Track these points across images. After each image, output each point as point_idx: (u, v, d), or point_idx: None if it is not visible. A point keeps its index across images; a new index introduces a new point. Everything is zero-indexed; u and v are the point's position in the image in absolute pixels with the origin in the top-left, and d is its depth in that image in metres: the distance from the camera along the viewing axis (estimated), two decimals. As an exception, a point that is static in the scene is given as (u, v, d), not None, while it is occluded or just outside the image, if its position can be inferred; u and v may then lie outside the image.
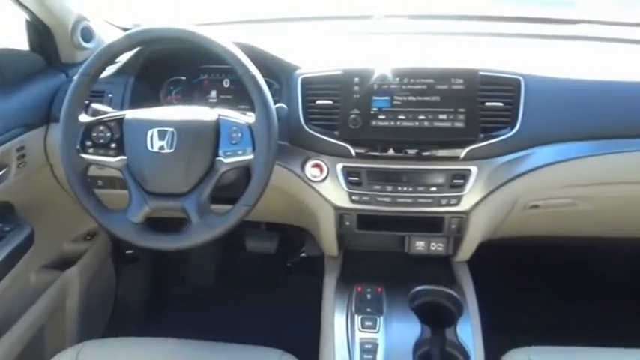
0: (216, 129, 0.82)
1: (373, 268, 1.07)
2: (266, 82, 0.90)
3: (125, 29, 1.22)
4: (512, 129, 0.90)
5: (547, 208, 1.01)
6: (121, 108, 0.98)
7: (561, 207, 1.01)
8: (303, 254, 1.65)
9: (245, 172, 0.87)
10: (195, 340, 0.91)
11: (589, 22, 1.30)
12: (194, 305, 1.56)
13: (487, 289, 1.10)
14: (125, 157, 0.81)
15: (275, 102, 0.84)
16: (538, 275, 1.42)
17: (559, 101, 0.93)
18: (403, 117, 0.89)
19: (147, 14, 1.46)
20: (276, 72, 1.00)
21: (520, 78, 0.91)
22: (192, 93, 1.10)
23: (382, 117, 0.90)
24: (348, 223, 0.98)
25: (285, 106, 0.87)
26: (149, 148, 0.80)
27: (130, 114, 0.83)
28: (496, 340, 0.93)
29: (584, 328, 0.98)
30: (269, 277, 1.65)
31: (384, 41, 1.21)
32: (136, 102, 1.00)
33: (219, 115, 0.83)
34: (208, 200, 0.82)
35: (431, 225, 0.97)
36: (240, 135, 0.81)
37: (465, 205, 0.92)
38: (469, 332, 0.91)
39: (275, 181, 0.90)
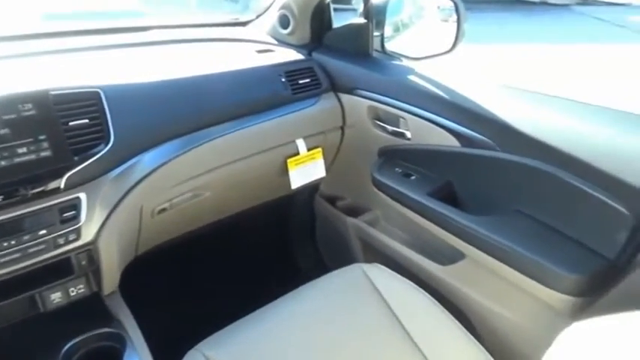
0: None
1: (9, 348, 0.87)
2: None
3: None
4: (107, 144, 0.85)
5: (175, 207, 1.04)
6: None
7: (187, 202, 1.05)
8: None
9: None
10: None
11: (159, 27, 1.38)
12: None
13: (151, 306, 1.06)
14: None
15: None
16: (195, 271, 1.48)
17: (146, 106, 0.95)
18: None
19: None
20: None
21: (99, 90, 0.88)
22: None
23: None
24: None
25: None
26: None
27: None
28: (174, 351, 0.91)
29: (247, 297, 1.06)
30: None
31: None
32: None
33: None
34: None
35: (58, 271, 0.85)
36: None
37: (87, 236, 0.84)
38: None
39: None
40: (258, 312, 0.99)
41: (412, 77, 1.13)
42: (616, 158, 0.81)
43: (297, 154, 1.20)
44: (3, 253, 0.76)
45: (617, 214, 0.82)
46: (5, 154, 0.75)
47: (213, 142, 1.01)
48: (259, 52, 1.22)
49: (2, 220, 0.76)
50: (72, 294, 0.90)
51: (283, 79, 1.15)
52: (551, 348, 0.68)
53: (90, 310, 0.95)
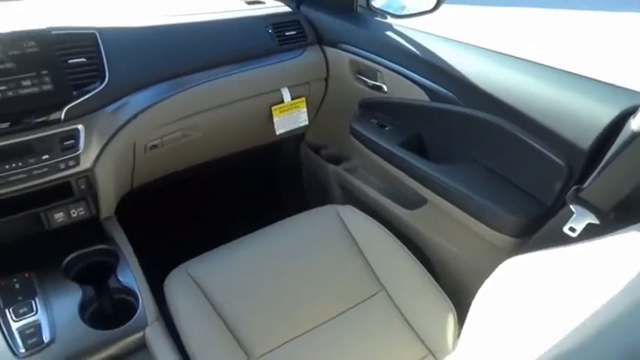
0: None
1: (17, 259, 1.00)
2: None
3: None
4: (102, 81, 0.95)
5: (166, 145, 1.14)
6: None
7: (177, 140, 1.16)
8: None
9: None
10: None
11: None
12: None
13: (144, 232, 1.19)
14: None
15: None
16: (185, 206, 1.61)
17: (139, 49, 1.04)
18: None
19: None
20: None
21: (95, 32, 0.97)
22: None
23: None
24: None
25: None
26: None
27: None
28: (161, 271, 1.04)
29: (233, 233, 1.18)
30: None
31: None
32: None
33: None
34: None
35: (60, 192, 0.97)
36: None
37: (85, 163, 0.95)
38: (129, 274, 0.99)
39: None
40: (237, 240, 1.12)
41: (390, 34, 1.20)
42: (558, 115, 0.89)
43: (282, 102, 1.29)
44: (11, 172, 0.88)
45: (555, 166, 0.91)
46: (12, 85, 0.85)
47: (201, 86, 1.10)
48: (249, 3, 1.29)
49: (10, 143, 0.87)
50: (73, 215, 1.03)
51: (270, 31, 1.23)
52: (486, 281, 0.79)
53: (89, 230, 1.08)
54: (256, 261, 1.07)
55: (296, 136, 1.54)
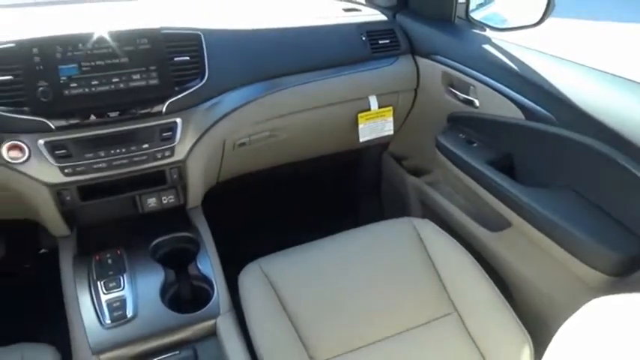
0: None
1: (111, 236, 1.09)
2: None
3: None
4: (202, 79, 1.01)
5: (253, 143, 1.19)
6: None
7: (264, 140, 1.20)
8: (44, 251, 1.53)
9: None
10: None
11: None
12: None
13: (225, 225, 1.24)
14: None
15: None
16: (265, 204, 1.66)
17: (238, 51, 1.09)
18: (97, 82, 0.91)
19: None
20: None
21: (200, 33, 1.03)
22: None
23: (74, 85, 0.90)
24: (68, 198, 0.97)
25: None
26: None
27: None
28: (235, 264, 1.08)
29: (307, 235, 1.20)
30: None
31: (58, 10, 1.19)
32: None
33: None
34: None
35: (154, 179, 1.04)
36: None
37: (179, 155, 1.02)
38: (208, 263, 1.04)
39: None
40: (311, 243, 1.13)
41: (488, 47, 1.15)
42: None
43: (369, 109, 1.28)
44: (116, 157, 0.96)
45: None
46: (124, 78, 0.93)
47: (292, 89, 1.13)
48: (346, 10, 1.31)
49: (117, 131, 0.96)
50: (164, 202, 1.10)
51: (364, 38, 1.23)
52: (571, 318, 0.74)
53: (176, 217, 1.15)
54: (328, 266, 1.07)
55: (379, 145, 1.53)
